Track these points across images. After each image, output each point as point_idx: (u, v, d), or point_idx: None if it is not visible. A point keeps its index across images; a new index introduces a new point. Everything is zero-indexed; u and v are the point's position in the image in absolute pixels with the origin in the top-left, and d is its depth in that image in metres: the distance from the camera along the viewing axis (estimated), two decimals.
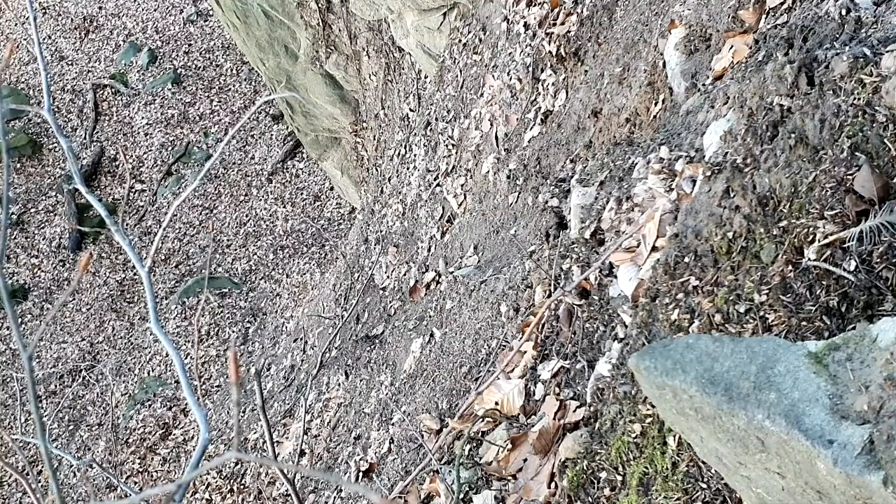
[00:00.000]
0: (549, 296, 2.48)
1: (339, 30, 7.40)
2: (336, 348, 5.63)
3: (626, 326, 1.91)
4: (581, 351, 2.14)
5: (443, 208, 5.23)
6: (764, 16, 2.13)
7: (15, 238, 11.31)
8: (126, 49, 12.82)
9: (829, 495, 0.95)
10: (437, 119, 5.83)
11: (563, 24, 3.99)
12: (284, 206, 10.93)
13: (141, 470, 8.10)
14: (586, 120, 3.24)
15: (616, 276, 2.06)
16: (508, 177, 4.11)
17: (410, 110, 6.68)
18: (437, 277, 4.66)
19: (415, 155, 6.13)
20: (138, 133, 12.13)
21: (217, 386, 8.70)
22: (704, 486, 1.45)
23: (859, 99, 1.42)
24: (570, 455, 1.87)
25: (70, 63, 12.84)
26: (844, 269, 1.33)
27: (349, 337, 5.58)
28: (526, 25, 4.49)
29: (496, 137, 4.56)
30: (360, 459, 3.66)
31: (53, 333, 10.17)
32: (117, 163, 11.91)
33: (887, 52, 1.44)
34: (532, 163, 3.80)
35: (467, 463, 2.26)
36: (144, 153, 11.94)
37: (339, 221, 10.51)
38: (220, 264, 10.28)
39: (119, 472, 8.03)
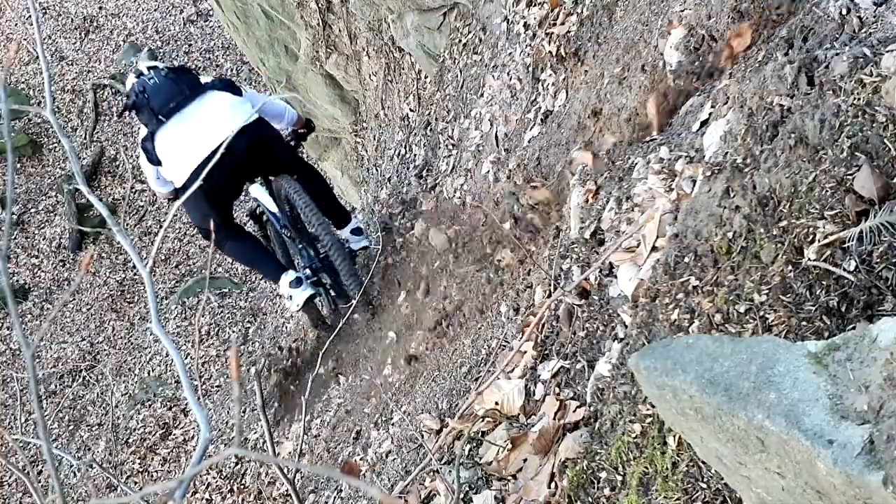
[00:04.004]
0: (549, 296, 2.48)
1: (339, 30, 7.40)
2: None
3: (626, 326, 1.91)
4: (581, 351, 2.14)
5: None
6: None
7: (15, 238, 11.30)
8: (126, 49, 12.81)
9: (829, 495, 0.95)
10: (437, 119, 5.83)
11: (563, 24, 3.98)
12: None
13: (141, 470, 8.09)
14: (586, 120, 3.23)
15: (616, 276, 2.06)
16: (508, 177, 4.10)
17: (410, 110, 6.68)
18: None
19: (415, 155, 6.13)
20: (138, 133, 12.12)
21: (217, 386, 8.69)
22: (704, 486, 1.45)
23: (859, 99, 1.42)
24: (570, 455, 1.87)
25: (70, 63, 12.84)
26: (844, 269, 1.33)
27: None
28: (526, 25, 4.49)
29: (496, 137, 4.55)
30: (360, 459, 3.66)
31: (53, 333, 10.16)
32: (117, 163, 11.90)
33: (887, 52, 1.44)
34: (532, 163, 3.80)
35: (467, 463, 2.26)
36: None
37: None
38: (220, 264, 10.26)
39: (119, 472, 8.03)
